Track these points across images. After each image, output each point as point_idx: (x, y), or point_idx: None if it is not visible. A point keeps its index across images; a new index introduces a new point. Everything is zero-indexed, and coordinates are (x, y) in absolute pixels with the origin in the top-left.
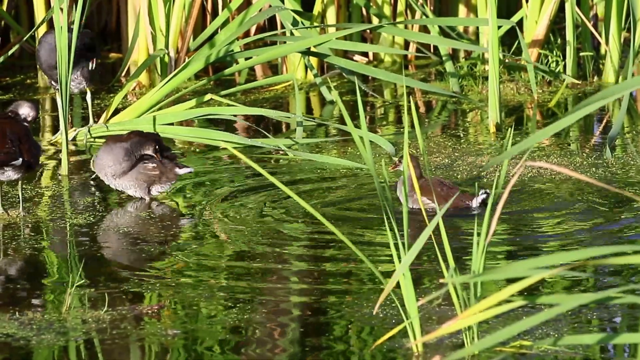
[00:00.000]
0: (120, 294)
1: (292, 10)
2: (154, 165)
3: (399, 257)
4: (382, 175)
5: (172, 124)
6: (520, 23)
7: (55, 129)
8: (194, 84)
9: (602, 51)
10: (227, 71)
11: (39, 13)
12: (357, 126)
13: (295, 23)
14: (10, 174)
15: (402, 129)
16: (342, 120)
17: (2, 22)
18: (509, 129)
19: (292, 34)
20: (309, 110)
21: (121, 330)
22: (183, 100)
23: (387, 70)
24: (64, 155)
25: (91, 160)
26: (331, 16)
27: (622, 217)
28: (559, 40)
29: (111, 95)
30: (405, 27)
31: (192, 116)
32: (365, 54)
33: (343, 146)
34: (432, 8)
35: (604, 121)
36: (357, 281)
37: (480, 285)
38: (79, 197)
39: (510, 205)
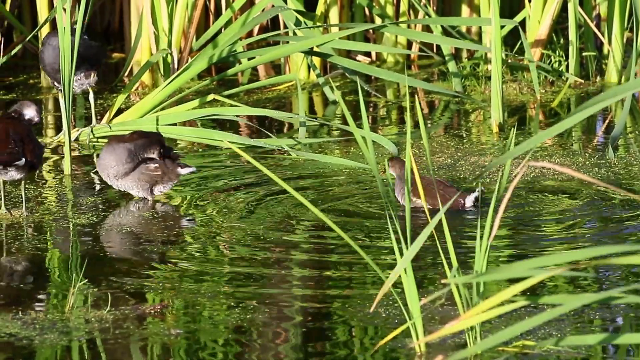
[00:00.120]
0: (123, 293)
1: (294, 10)
2: (156, 165)
3: (401, 253)
4: (385, 175)
5: (175, 124)
6: (523, 23)
7: (58, 129)
8: (197, 84)
9: (605, 51)
10: (230, 71)
11: (42, 13)
12: (360, 126)
13: (298, 23)
14: (13, 174)
15: (404, 129)
16: (344, 120)
17: (5, 22)
18: (512, 129)
19: (294, 34)
20: (311, 110)
21: (124, 330)
22: (186, 100)
23: (389, 70)
24: (66, 155)
25: (94, 160)
26: (334, 16)
27: (625, 217)
28: (561, 40)
29: (114, 95)
30: (408, 26)
31: (195, 116)
32: (368, 54)
33: (345, 146)
34: (434, 8)
35: (607, 121)
36: (360, 281)
37: (483, 285)
38: (82, 197)
39: (513, 205)
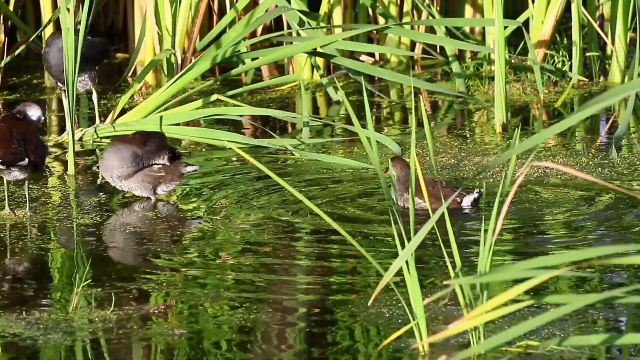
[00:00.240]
0: (127, 293)
1: (298, 10)
2: (160, 166)
3: (403, 247)
4: (389, 175)
5: (178, 124)
6: (526, 23)
7: (61, 129)
8: (201, 84)
9: (609, 51)
10: (234, 71)
11: (46, 13)
12: (364, 126)
13: (301, 23)
14: (16, 174)
15: (408, 129)
16: (348, 121)
17: (9, 22)
18: (516, 129)
19: (298, 34)
20: (315, 110)
21: (128, 330)
22: (189, 100)
23: (393, 71)
24: (70, 156)
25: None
26: (337, 17)
27: (628, 216)
28: (565, 41)
29: (118, 95)
30: (412, 27)
31: (199, 116)
32: (371, 55)
33: (349, 146)
34: (438, 8)
35: (610, 121)
36: (363, 281)
37: (487, 285)
38: (86, 197)
39: (516, 205)
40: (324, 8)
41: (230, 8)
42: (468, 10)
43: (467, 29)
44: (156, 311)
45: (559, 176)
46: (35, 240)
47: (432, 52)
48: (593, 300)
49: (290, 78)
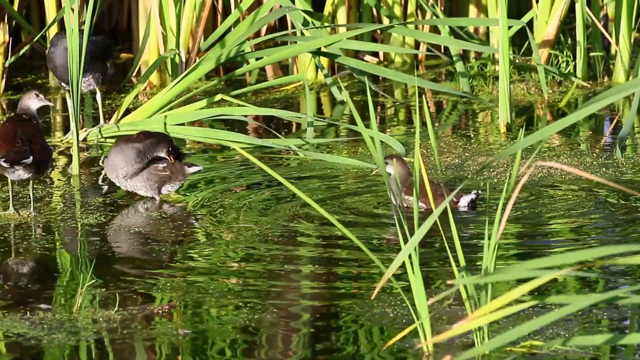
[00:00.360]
0: (131, 293)
1: (302, 10)
2: (164, 165)
3: (406, 243)
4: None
5: (182, 124)
6: (530, 23)
7: (66, 129)
8: (205, 84)
9: (613, 51)
10: (238, 71)
11: (50, 13)
12: (368, 126)
13: (305, 23)
14: (20, 173)
15: (412, 129)
16: (352, 121)
17: (13, 22)
18: (520, 129)
19: (302, 34)
20: (319, 110)
21: (132, 330)
22: (194, 100)
23: (397, 71)
24: (74, 156)
25: (102, 161)
26: (342, 16)
27: (632, 217)
28: (569, 41)
29: (122, 95)
30: (416, 27)
31: (203, 116)
32: (375, 54)
33: (353, 146)
34: (442, 8)
35: (614, 121)
36: (368, 282)
37: (491, 285)
38: (90, 197)
39: (520, 205)
40: (328, 8)
41: (235, 8)
42: (472, 10)
43: (471, 29)
44: (160, 311)
45: (563, 176)
46: (40, 240)
47: (437, 52)
48: (597, 300)
49: (295, 78)
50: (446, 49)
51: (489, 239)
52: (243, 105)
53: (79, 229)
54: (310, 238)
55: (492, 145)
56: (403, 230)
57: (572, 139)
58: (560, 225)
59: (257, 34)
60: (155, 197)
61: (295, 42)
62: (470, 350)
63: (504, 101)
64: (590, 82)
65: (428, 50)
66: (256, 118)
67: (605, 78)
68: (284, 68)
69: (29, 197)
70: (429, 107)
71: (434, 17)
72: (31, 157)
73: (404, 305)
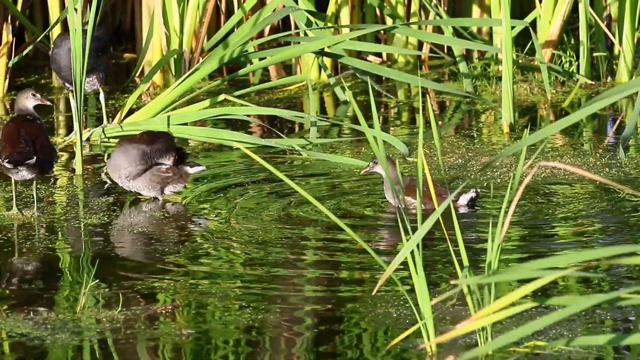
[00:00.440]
0: (134, 293)
1: (306, 10)
2: (168, 167)
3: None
4: (397, 175)
5: (186, 124)
6: (533, 23)
7: (69, 129)
8: (208, 84)
9: (616, 51)
10: (241, 71)
11: (54, 13)
12: (371, 126)
13: (309, 23)
14: (24, 174)
15: (415, 129)
16: (355, 121)
17: (17, 22)
18: (524, 129)
19: (305, 34)
20: (322, 110)
21: (135, 330)
22: (197, 100)
23: (400, 71)
24: (78, 156)
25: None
26: (345, 17)
27: (636, 217)
28: (572, 41)
29: (125, 95)
30: (419, 27)
31: (206, 116)
32: (379, 55)
33: (356, 146)
34: (445, 8)
35: (618, 121)
36: (371, 282)
37: (494, 285)
38: (93, 197)
39: (523, 205)
40: (331, 8)
41: (238, 8)
42: (475, 10)
43: (474, 29)
44: (164, 311)
45: (567, 176)
46: (43, 241)
47: (440, 52)
48: (600, 301)
49: (298, 78)
50: (449, 49)
51: (493, 239)
52: (246, 105)
53: (82, 229)
54: (313, 238)
55: (495, 146)
56: (405, 228)
57: (575, 139)
58: (563, 226)
59: (261, 34)
60: (158, 197)
61: (299, 43)
62: (473, 350)
63: (507, 101)
64: (594, 82)
65: (431, 50)
66: (259, 118)
67: (609, 78)
68: (287, 68)
69: (33, 197)
70: (432, 108)
71: (437, 18)
72: (35, 158)
73: (407, 305)
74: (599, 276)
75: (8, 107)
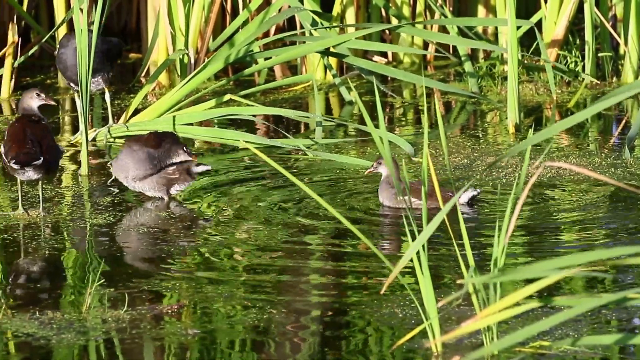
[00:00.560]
0: (140, 293)
1: (311, 10)
2: (174, 168)
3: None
4: (402, 175)
5: (191, 124)
6: (539, 23)
7: (75, 129)
8: (214, 84)
9: (621, 51)
10: (247, 71)
11: (59, 13)
12: (377, 126)
13: (314, 23)
14: (30, 174)
15: (421, 129)
16: (361, 121)
17: (22, 22)
18: (529, 129)
19: (311, 34)
20: (328, 110)
21: (141, 329)
22: (203, 100)
23: (406, 71)
24: (83, 156)
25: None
26: (350, 16)
27: None
28: (577, 41)
29: (131, 95)
30: (425, 27)
31: (212, 116)
32: (384, 55)
33: (362, 146)
34: (451, 8)
35: (623, 121)
36: (377, 282)
37: (500, 285)
38: (99, 197)
39: (529, 205)
40: (336, 8)
41: (243, 8)
42: (481, 10)
43: (479, 29)
44: (169, 311)
45: (572, 176)
46: (49, 240)
47: (445, 52)
48: (606, 301)
49: (303, 78)
50: (455, 49)
51: (499, 238)
52: (252, 105)
53: (88, 228)
54: (319, 238)
55: (501, 146)
56: (411, 227)
57: (580, 139)
58: (568, 225)
59: (266, 34)
60: (164, 197)
61: (304, 42)
62: (479, 350)
63: (513, 101)
64: (599, 82)
65: (437, 50)
66: (265, 118)
67: (614, 78)
68: (292, 68)
69: (38, 197)
70: (438, 108)
71: (443, 17)
72: (41, 158)
73: (412, 305)
74: (604, 276)
75: (14, 107)
